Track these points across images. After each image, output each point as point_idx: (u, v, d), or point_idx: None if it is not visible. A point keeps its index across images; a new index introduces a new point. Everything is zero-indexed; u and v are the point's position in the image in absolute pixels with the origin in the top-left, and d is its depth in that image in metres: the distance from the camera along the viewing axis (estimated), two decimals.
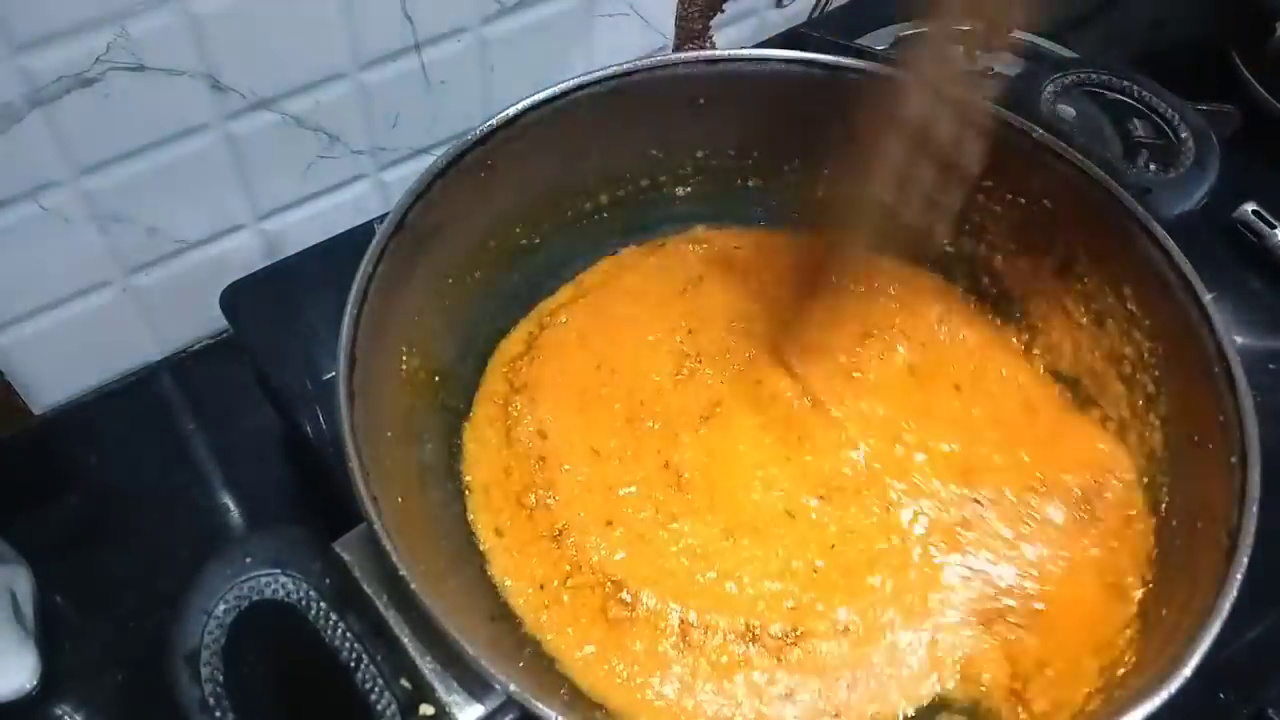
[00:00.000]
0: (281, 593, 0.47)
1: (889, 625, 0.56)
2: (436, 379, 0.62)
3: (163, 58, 0.63)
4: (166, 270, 0.74)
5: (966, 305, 0.69)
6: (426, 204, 0.56)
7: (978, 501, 0.60)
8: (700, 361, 0.65)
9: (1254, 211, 0.85)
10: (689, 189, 0.72)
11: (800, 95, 0.66)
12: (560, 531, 0.58)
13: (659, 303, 0.68)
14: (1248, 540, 0.48)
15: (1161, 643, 0.50)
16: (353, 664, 0.46)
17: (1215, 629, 0.46)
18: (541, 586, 0.57)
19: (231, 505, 0.72)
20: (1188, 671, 0.45)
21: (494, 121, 0.59)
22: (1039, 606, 0.57)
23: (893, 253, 0.69)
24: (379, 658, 0.46)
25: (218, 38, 0.64)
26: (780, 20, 0.98)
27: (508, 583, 0.57)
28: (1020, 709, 0.54)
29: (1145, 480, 0.61)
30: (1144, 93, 0.68)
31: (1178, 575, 0.54)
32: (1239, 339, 0.72)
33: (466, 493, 0.61)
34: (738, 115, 0.68)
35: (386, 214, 0.55)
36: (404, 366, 0.59)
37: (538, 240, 0.69)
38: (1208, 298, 0.55)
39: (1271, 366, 0.76)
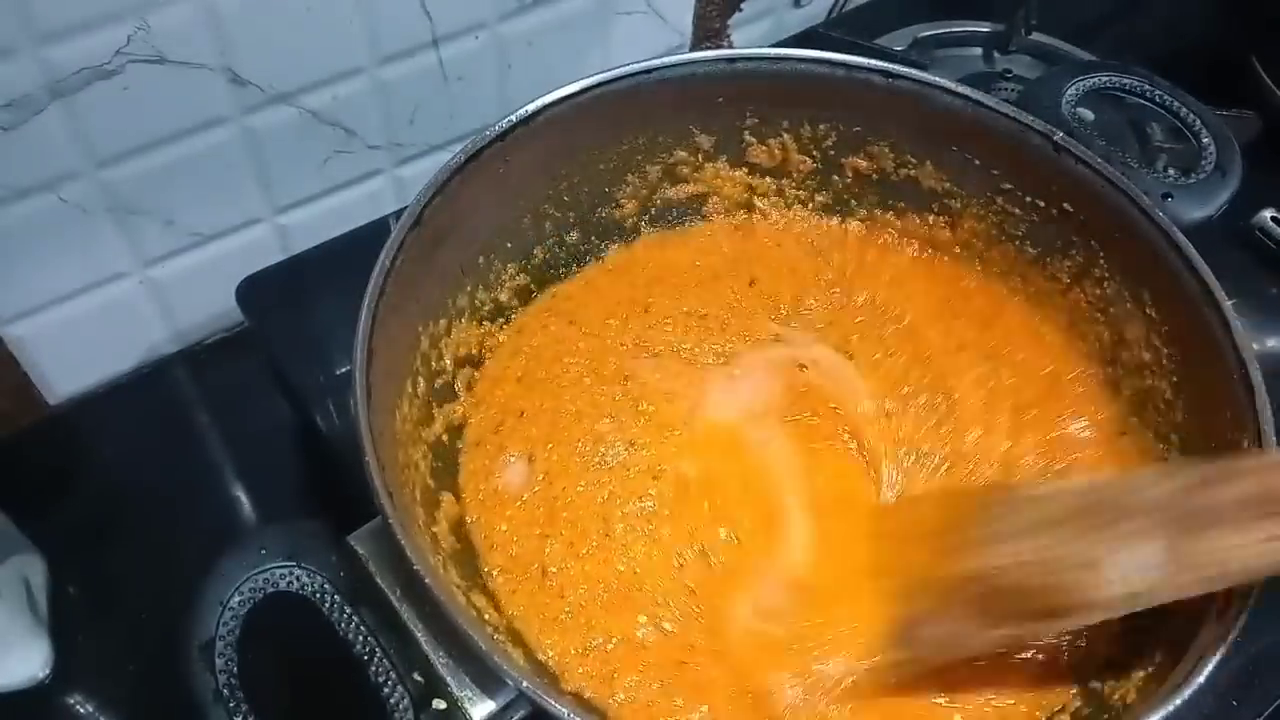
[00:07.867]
0: (296, 585, 0.47)
1: None
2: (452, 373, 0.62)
3: (182, 51, 0.63)
4: (183, 263, 0.74)
5: None
6: (444, 199, 0.56)
7: None
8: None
9: (1273, 218, 0.85)
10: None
11: (818, 95, 0.66)
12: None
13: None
14: None
15: (1175, 650, 0.50)
16: (366, 657, 0.46)
17: (1229, 638, 0.46)
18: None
19: (245, 498, 0.72)
20: (1200, 679, 0.45)
21: (512, 118, 0.59)
22: None
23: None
24: (392, 652, 0.46)
25: (237, 31, 0.64)
26: (798, 20, 0.98)
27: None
28: None
29: None
30: (1165, 97, 0.68)
31: None
32: (1258, 345, 0.71)
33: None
34: (755, 114, 0.68)
35: (403, 209, 0.55)
36: (419, 361, 0.59)
37: (554, 235, 0.68)
38: (1227, 303, 0.55)
39: None
